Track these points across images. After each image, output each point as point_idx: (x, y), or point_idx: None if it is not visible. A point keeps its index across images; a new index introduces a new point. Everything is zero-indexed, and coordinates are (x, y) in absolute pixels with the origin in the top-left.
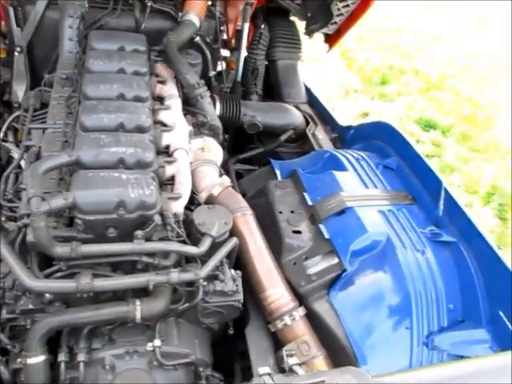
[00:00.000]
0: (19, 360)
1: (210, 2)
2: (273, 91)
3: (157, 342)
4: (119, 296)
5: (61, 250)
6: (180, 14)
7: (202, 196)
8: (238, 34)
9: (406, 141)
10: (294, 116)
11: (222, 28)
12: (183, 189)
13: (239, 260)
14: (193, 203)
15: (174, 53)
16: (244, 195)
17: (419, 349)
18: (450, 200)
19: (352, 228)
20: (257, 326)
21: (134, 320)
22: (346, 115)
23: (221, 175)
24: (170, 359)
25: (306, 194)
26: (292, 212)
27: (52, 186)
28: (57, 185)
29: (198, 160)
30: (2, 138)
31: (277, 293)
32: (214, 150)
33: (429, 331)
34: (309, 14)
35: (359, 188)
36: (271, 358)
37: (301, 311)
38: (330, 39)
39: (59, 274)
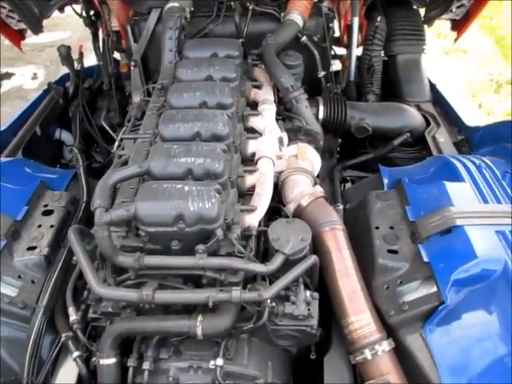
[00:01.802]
0: (94, 359)
1: None
2: (393, 90)
3: (219, 362)
4: (190, 309)
5: (124, 259)
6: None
7: (290, 207)
8: (348, 29)
9: None
10: (411, 117)
11: (330, 25)
12: (260, 201)
13: (323, 280)
14: (280, 215)
15: (271, 55)
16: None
17: None
18: None
19: (458, 251)
20: (338, 354)
21: (195, 336)
22: (496, 114)
23: (315, 184)
24: (234, 379)
25: (408, 208)
26: (391, 228)
27: (130, 195)
28: (134, 194)
29: (290, 168)
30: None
31: (360, 320)
32: (308, 157)
33: None
34: (427, 0)
35: (475, 202)
36: None
37: (386, 345)
38: (458, 26)
39: (129, 282)
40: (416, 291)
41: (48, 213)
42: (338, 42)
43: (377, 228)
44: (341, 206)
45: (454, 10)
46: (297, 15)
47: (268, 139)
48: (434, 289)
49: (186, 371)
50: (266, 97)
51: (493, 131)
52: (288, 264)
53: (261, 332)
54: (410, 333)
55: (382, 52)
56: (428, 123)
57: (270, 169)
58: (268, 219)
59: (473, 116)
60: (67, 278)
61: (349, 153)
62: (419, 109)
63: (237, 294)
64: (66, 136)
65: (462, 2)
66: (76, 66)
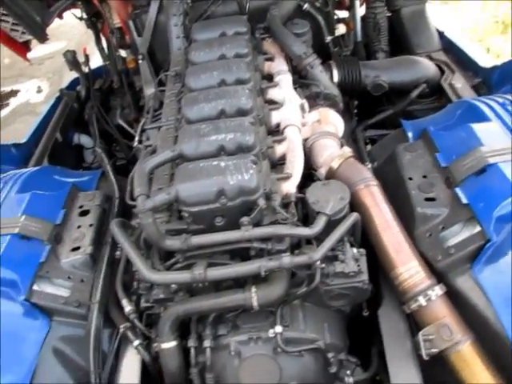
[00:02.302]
0: (155, 345)
1: None
2: (402, 44)
3: (278, 329)
4: (240, 283)
5: (171, 242)
6: None
7: (322, 171)
8: None
9: None
10: (425, 68)
11: None
12: (293, 168)
13: (366, 236)
14: (313, 180)
15: (278, 26)
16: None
17: None
18: None
19: (496, 189)
20: (391, 306)
21: (251, 307)
22: (508, 54)
23: (342, 146)
24: (295, 345)
25: (438, 155)
26: (424, 177)
27: (165, 182)
28: (169, 180)
29: (315, 134)
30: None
31: (409, 270)
32: (332, 121)
33: None
34: None
35: (506, 139)
36: (408, 342)
37: (438, 290)
38: None
39: (178, 266)
40: (459, 234)
41: (85, 213)
42: (339, 4)
43: (410, 179)
44: (369, 165)
45: None
46: None
47: (290, 108)
48: (478, 228)
49: (247, 343)
50: (280, 67)
51: (511, 68)
52: (330, 225)
53: (313, 296)
54: (460, 275)
55: (386, 8)
56: (442, 71)
57: (297, 136)
58: (302, 186)
59: (484, 60)
60: (114, 272)
61: (367, 113)
62: (431, 58)
63: (287, 259)
64: (84, 139)
65: None
66: (84, 69)
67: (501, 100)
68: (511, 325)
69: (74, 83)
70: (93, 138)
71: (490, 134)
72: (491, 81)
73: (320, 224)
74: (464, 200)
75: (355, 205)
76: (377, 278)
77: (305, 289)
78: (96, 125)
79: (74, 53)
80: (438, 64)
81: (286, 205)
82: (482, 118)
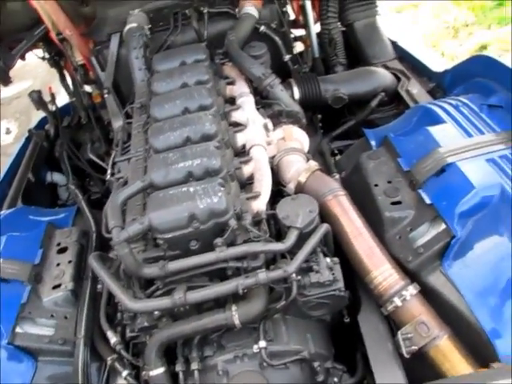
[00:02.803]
0: (144, 373)
1: None
2: (358, 56)
3: (262, 344)
4: (221, 303)
5: (149, 270)
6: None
7: (291, 186)
8: (302, 10)
9: (508, 69)
10: (382, 77)
11: (284, 9)
12: (262, 186)
13: (339, 245)
14: (283, 197)
15: (236, 50)
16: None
17: None
18: None
19: (456, 187)
20: (370, 310)
21: (234, 326)
22: (461, 56)
23: (308, 160)
24: (280, 358)
25: (400, 160)
26: (389, 182)
27: (139, 212)
28: (142, 210)
29: (281, 151)
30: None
31: (382, 273)
32: (296, 137)
33: None
34: None
35: (461, 139)
36: (389, 343)
37: (412, 289)
38: None
39: (159, 292)
40: (427, 233)
41: (63, 250)
42: (295, 23)
43: (376, 185)
44: (337, 176)
45: None
46: (250, 7)
47: (254, 128)
48: (443, 226)
49: (233, 361)
50: (241, 90)
51: (461, 70)
52: (302, 238)
53: (293, 308)
54: (431, 273)
55: (339, 23)
56: (398, 79)
57: (263, 155)
58: (272, 203)
59: (438, 65)
60: (97, 306)
61: (332, 125)
62: (387, 68)
63: (263, 275)
64: (57, 177)
65: None
66: (50, 107)
67: (454, 102)
68: (483, 316)
69: (42, 122)
70: (65, 174)
71: (446, 136)
72: (444, 84)
73: (292, 238)
74: (428, 200)
75: (325, 215)
76: (354, 284)
77: (283, 302)
78: (67, 161)
79: (39, 92)
80: (393, 72)
81: (257, 222)
82: (437, 120)
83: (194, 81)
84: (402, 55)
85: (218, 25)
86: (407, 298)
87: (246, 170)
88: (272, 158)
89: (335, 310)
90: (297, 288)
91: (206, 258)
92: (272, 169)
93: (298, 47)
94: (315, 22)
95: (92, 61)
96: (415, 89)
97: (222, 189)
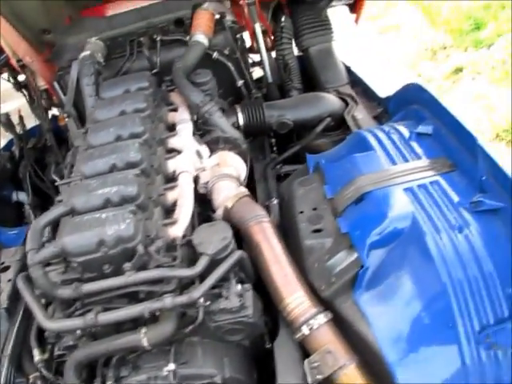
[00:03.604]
0: None
1: (218, 16)
2: (313, 81)
3: (171, 366)
4: (139, 324)
5: (62, 291)
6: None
7: (219, 212)
8: (254, 35)
9: (433, 98)
10: (329, 102)
11: (237, 36)
12: (181, 212)
13: (259, 271)
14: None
15: (179, 77)
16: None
17: (471, 348)
18: (487, 158)
19: (370, 216)
20: (286, 337)
21: (144, 347)
22: (437, 78)
23: (242, 186)
24: (191, 381)
25: (326, 187)
26: (314, 209)
27: None
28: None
29: (214, 177)
30: None
31: (294, 301)
32: (231, 163)
33: (481, 325)
34: None
35: (384, 167)
36: (301, 370)
37: (322, 318)
38: (355, 8)
39: (78, 313)
40: (342, 262)
41: (5, 269)
42: (251, 49)
43: (301, 212)
44: (275, 201)
45: None
46: (200, 35)
47: (184, 155)
48: (355, 255)
49: (146, 383)
50: (181, 117)
51: (400, 97)
52: (216, 264)
53: (210, 332)
54: (344, 302)
55: (293, 49)
56: (347, 104)
57: (188, 181)
58: None
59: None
60: (31, 324)
61: (285, 149)
62: (339, 93)
63: (168, 300)
64: (23, 197)
65: None
66: (19, 129)
67: (387, 129)
68: (387, 346)
69: (9, 144)
70: (26, 194)
71: (370, 163)
72: (389, 109)
73: (201, 264)
74: (343, 229)
75: (248, 242)
76: (277, 310)
77: (191, 326)
78: (29, 182)
79: (7, 115)
80: (343, 97)
81: (172, 248)
82: (367, 147)
83: (132, 109)
84: (355, 80)
85: (172, 52)
86: (314, 327)
87: (171, 196)
88: (206, 184)
89: (252, 335)
90: (204, 313)
91: (116, 281)
92: (206, 195)
93: (258, 73)
94: (271, 49)
95: (54, 86)
96: (361, 114)
97: (132, 216)
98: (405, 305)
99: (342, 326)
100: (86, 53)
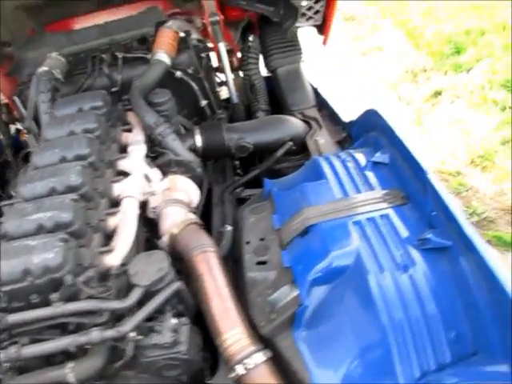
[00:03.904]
0: None
1: (182, 34)
2: (280, 103)
3: None
4: (72, 357)
5: None
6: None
7: (164, 239)
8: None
9: (388, 126)
10: (291, 126)
11: (202, 55)
12: (119, 240)
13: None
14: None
15: (135, 97)
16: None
17: None
18: (435, 193)
19: (313, 251)
20: (225, 373)
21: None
22: (417, 100)
23: (193, 212)
24: None
25: (274, 216)
26: (262, 240)
27: None
28: None
29: (162, 202)
30: None
31: (231, 337)
32: (181, 187)
33: (422, 371)
34: (281, 12)
35: (333, 197)
36: None
37: (258, 357)
38: (323, 29)
39: (5, 344)
40: (285, 298)
41: None
42: (217, 69)
43: (247, 243)
44: (229, 228)
45: (312, 16)
46: (161, 53)
47: (131, 179)
48: (295, 293)
49: None
50: (135, 138)
51: (362, 122)
52: (152, 296)
53: (145, 367)
54: (284, 340)
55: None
56: (311, 128)
57: (131, 207)
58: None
59: (395, 108)
60: None
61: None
62: (304, 116)
63: (96, 334)
64: None
65: (315, 8)
66: None
67: (344, 156)
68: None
69: None
70: None
71: (320, 193)
72: (352, 134)
73: (134, 296)
74: (286, 263)
75: (191, 272)
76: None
77: (121, 361)
78: None
79: None
80: (307, 120)
81: (107, 277)
82: (320, 176)
83: (81, 129)
84: (321, 103)
85: (135, 70)
86: (250, 367)
87: (113, 221)
88: (154, 209)
89: (190, 371)
90: (135, 348)
91: (43, 312)
92: (154, 220)
93: (225, 92)
94: (236, 69)
95: (15, 100)
96: (323, 139)
97: (62, 244)
98: (343, 348)
99: (281, 365)
100: (44, 68)
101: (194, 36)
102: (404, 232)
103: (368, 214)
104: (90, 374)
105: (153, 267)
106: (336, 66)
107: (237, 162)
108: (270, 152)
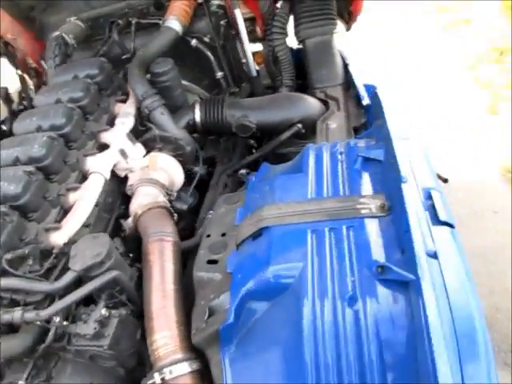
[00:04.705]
0: None
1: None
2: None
3: (20, 382)
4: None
5: None
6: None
7: (129, 221)
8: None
9: (383, 112)
10: (304, 106)
11: (222, 23)
12: (71, 217)
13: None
14: (121, 230)
15: (131, 67)
16: None
17: None
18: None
19: (258, 259)
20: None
21: None
22: (496, 84)
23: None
24: None
25: (239, 210)
26: (223, 235)
27: None
28: None
29: (138, 180)
30: None
31: (161, 339)
32: (161, 166)
33: None
34: None
35: (302, 197)
36: None
37: (183, 368)
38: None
39: None
40: (223, 307)
41: None
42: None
43: (208, 236)
44: (210, 215)
45: None
46: (172, 20)
47: (105, 154)
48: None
49: None
50: (124, 110)
51: (373, 105)
52: (88, 281)
53: (78, 354)
54: (214, 355)
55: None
56: (328, 109)
57: (95, 184)
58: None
59: (468, 91)
60: None
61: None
62: (326, 95)
63: (17, 314)
64: None
65: None
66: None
67: (339, 147)
68: None
69: None
70: None
71: (289, 190)
72: (369, 120)
73: (64, 280)
74: (229, 268)
75: (144, 258)
76: None
77: (44, 345)
78: None
79: (6, 89)
80: (326, 101)
81: (47, 256)
82: (299, 168)
83: (68, 97)
84: (350, 81)
85: (148, 37)
86: (167, 377)
87: (73, 197)
88: (131, 187)
89: (127, 365)
90: (61, 333)
91: None
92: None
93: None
94: (259, 38)
95: (42, 64)
96: (335, 123)
97: None
98: (265, 378)
99: (210, 378)
100: (56, 33)
101: (215, 1)
102: (368, 253)
103: (335, 222)
104: (13, 352)
105: (92, 251)
106: (412, 41)
107: (252, 141)
108: (278, 133)
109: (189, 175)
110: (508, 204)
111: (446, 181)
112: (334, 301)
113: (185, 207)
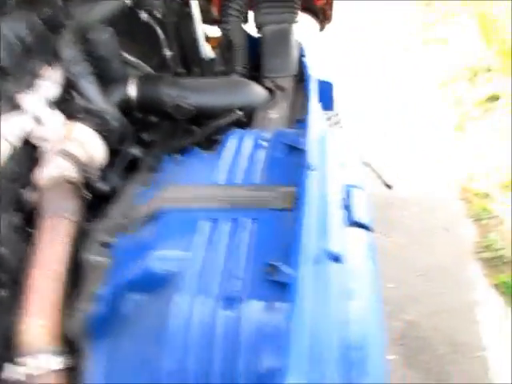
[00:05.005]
0: None
1: None
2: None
3: None
4: None
5: None
6: None
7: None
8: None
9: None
10: (249, 93)
11: None
12: None
13: None
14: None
15: (65, 32)
16: None
17: None
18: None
19: (140, 245)
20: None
21: None
22: (466, 103)
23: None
24: None
25: (143, 192)
26: (126, 218)
27: None
28: None
29: (50, 151)
30: None
31: (30, 325)
32: (77, 137)
33: None
34: None
35: (213, 181)
36: None
37: (46, 362)
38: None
39: None
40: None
41: None
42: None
43: (109, 218)
44: None
45: None
46: None
47: (16, 118)
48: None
49: None
50: (49, 75)
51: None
52: None
53: None
54: (86, 347)
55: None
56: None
57: None
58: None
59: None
60: None
61: None
62: (274, 84)
63: None
64: None
65: None
66: None
67: (267, 135)
68: None
69: None
70: None
71: (196, 172)
72: None
73: None
74: (113, 252)
75: (36, 234)
76: None
77: None
78: None
79: None
80: (272, 89)
81: None
82: (219, 152)
83: None
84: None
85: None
86: (29, 370)
87: None
88: None
89: None
90: None
91: None
92: None
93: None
94: (213, 20)
95: None
96: (278, 113)
97: None
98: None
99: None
100: None
101: None
102: (265, 249)
103: (238, 213)
104: None
105: None
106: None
107: (195, 127)
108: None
109: (124, 156)
110: (458, 222)
111: (389, 187)
112: (212, 302)
113: (106, 188)
